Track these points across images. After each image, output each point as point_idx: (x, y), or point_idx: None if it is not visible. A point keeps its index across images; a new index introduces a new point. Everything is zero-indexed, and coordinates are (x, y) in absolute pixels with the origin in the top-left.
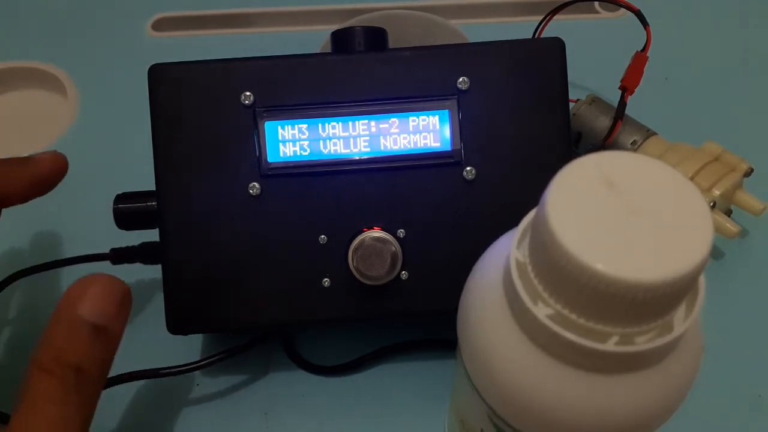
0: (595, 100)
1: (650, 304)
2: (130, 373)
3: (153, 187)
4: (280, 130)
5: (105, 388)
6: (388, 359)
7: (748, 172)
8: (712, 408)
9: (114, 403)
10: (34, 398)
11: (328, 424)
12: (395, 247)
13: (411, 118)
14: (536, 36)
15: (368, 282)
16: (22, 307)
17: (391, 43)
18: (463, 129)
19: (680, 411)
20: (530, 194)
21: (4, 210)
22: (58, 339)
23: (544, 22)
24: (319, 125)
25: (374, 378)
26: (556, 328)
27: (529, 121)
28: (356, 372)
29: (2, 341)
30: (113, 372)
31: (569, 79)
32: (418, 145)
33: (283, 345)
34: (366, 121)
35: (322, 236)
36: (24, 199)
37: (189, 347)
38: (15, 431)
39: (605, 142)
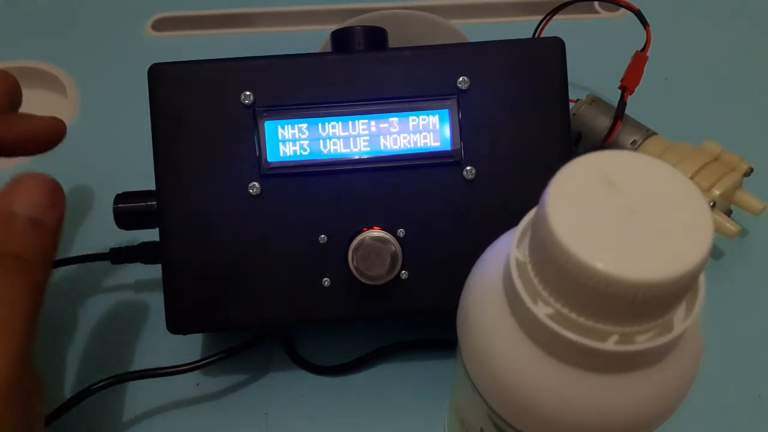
0: (595, 100)
1: (650, 303)
2: (130, 372)
3: (153, 187)
4: (280, 130)
5: (108, 387)
6: (388, 359)
7: (748, 172)
8: (711, 408)
9: (114, 402)
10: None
11: (328, 424)
12: (395, 246)
13: (411, 118)
14: (536, 36)
15: (368, 282)
16: None
17: (391, 43)
18: (463, 128)
19: (680, 411)
20: (530, 193)
21: None
22: None
23: (544, 22)
24: (319, 125)
25: (374, 378)
26: (556, 327)
27: (529, 121)
28: (356, 372)
29: None
30: (112, 371)
31: (569, 78)
32: (418, 145)
33: (284, 345)
34: (366, 121)
35: (322, 236)
36: (23, 149)
37: (189, 347)
38: None
39: (605, 142)
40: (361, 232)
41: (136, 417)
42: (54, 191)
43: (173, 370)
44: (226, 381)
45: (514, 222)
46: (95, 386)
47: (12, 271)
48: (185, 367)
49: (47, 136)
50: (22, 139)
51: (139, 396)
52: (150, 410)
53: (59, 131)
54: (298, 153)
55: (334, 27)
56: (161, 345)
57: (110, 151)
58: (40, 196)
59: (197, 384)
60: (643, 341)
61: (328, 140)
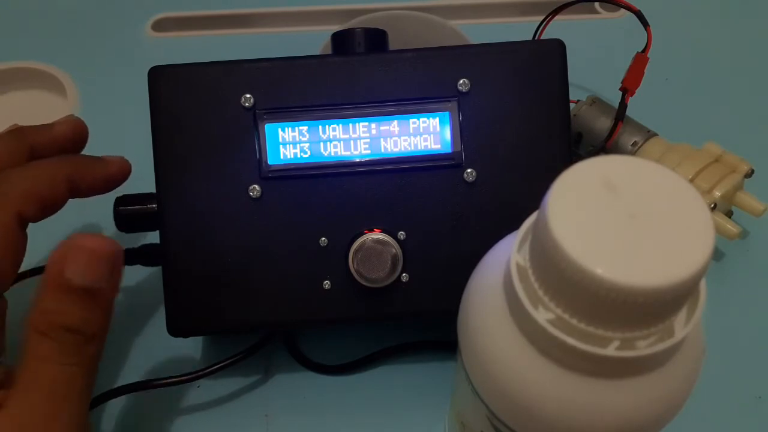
0: (595, 101)
1: (651, 308)
2: (132, 384)
3: (153, 190)
4: (280, 132)
5: (107, 399)
6: (389, 361)
7: (749, 173)
8: (712, 409)
9: (114, 403)
10: (35, 360)
11: (329, 426)
12: (396, 249)
13: (411, 120)
14: (537, 36)
15: (369, 284)
16: (22, 309)
17: (392, 44)
18: (463, 131)
19: (680, 412)
20: (530, 196)
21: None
22: (48, 302)
23: (544, 23)
24: (320, 127)
25: (375, 380)
26: (556, 332)
27: (529, 123)
28: (357, 374)
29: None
30: (113, 374)
31: (570, 79)
32: (419, 147)
33: (286, 345)
34: (366, 123)
35: (323, 238)
36: (93, 193)
37: (189, 349)
38: (20, 391)
39: (606, 143)
40: (361, 234)
41: (136, 418)
42: (113, 257)
43: (176, 380)
44: (227, 383)
45: (514, 224)
46: (103, 396)
47: (70, 347)
48: (187, 377)
49: (118, 179)
50: (94, 183)
51: (139, 397)
52: (151, 412)
53: (126, 172)
54: (299, 155)
55: (335, 28)
56: (161, 347)
57: (110, 152)
58: (98, 263)
59: (198, 386)
60: (644, 347)
61: (328, 143)
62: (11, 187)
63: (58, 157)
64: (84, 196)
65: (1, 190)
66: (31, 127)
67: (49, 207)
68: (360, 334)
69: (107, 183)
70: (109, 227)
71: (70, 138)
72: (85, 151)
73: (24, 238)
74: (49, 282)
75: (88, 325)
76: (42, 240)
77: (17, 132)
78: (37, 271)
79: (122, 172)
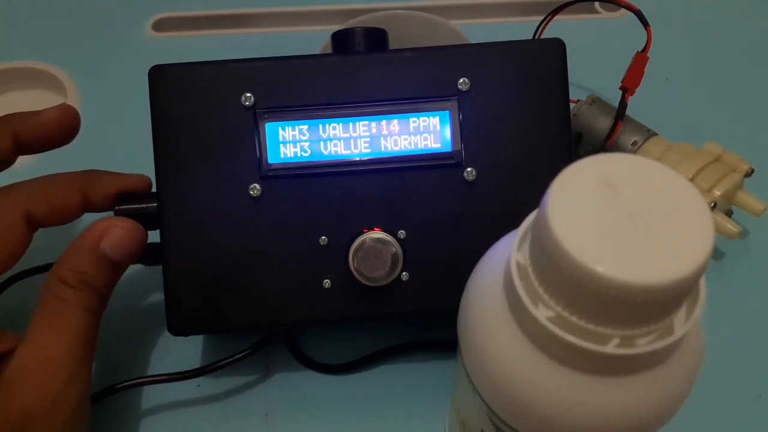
0: (595, 101)
1: (651, 306)
2: (133, 382)
3: (153, 189)
4: (280, 131)
5: (108, 397)
6: (389, 360)
7: (749, 173)
8: (712, 408)
9: (114, 402)
10: (58, 301)
11: (329, 425)
12: (396, 248)
13: (411, 119)
14: (537, 36)
15: (369, 283)
16: (23, 309)
17: (392, 44)
18: (463, 130)
19: (680, 411)
20: (530, 195)
21: None
22: (80, 262)
23: (544, 23)
24: (320, 126)
25: (375, 379)
26: (556, 330)
27: (529, 122)
28: (357, 373)
29: None
30: (113, 373)
31: (570, 79)
32: (419, 146)
33: (287, 344)
34: (366, 122)
35: (323, 237)
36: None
37: (189, 348)
38: (44, 327)
39: (606, 143)
40: (361, 233)
41: (137, 417)
42: (140, 240)
43: (178, 376)
44: (227, 382)
45: (514, 223)
46: (104, 392)
47: (88, 299)
48: (187, 376)
49: (62, 124)
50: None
51: (139, 396)
52: (151, 411)
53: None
54: (299, 154)
55: (335, 27)
56: (161, 346)
57: (110, 152)
58: (129, 243)
59: (198, 385)
60: (644, 344)
61: (328, 142)
62: (25, 187)
63: (77, 171)
64: (101, 211)
65: (15, 188)
66: (18, 113)
67: (59, 214)
68: (360, 334)
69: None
70: None
71: (59, 123)
72: (85, 151)
73: (27, 237)
74: (85, 247)
75: (106, 288)
76: (41, 239)
77: (1, 118)
78: (39, 270)
79: (143, 187)
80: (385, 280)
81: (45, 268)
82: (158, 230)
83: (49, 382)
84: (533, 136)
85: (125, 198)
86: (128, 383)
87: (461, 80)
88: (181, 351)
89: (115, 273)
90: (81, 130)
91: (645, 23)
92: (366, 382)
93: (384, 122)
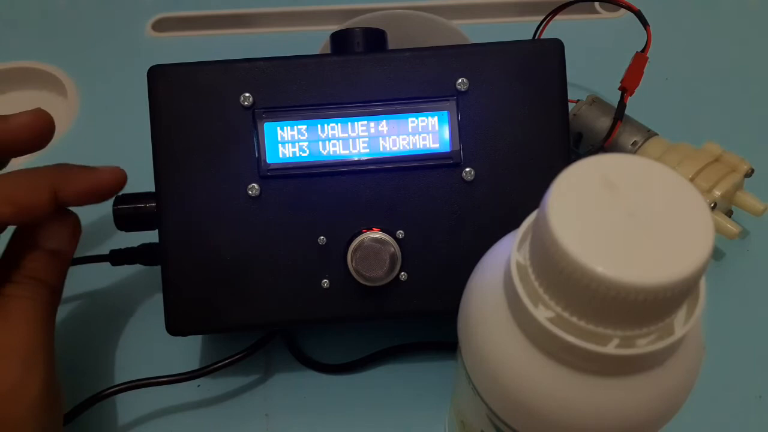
0: (595, 101)
1: (651, 307)
2: (132, 382)
3: (152, 189)
4: (279, 132)
5: (107, 398)
6: (389, 360)
7: (749, 173)
8: (712, 408)
9: (115, 403)
10: (6, 297)
11: (329, 426)
12: (394, 248)
13: (410, 119)
14: (537, 36)
15: (367, 283)
16: None
17: (392, 44)
18: (462, 130)
19: (681, 412)
20: (529, 195)
21: None
22: (24, 260)
23: (544, 23)
24: (319, 126)
25: (375, 379)
26: (556, 330)
27: (528, 123)
28: (357, 373)
29: None
30: (112, 373)
31: (569, 79)
32: (418, 146)
33: (286, 343)
34: (365, 123)
35: (321, 237)
36: (84, 202)
37: (189, 348)
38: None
39: (605, 143)
40: (360, 233)
41: (137, 418)
42: (76, 227)
43: (178, 377)
44: (227, 382)
45: (513, 223)
46: (104, 393)
47: (36, 290)
48: (187, 376)
49: (110, 187)
50: (84, 194)
51: (140, 397)
52: (151, 411)
53: (120, 181)
54: (298, 154)
55: (334, 28)
56: (161, 346)
57: (110, 152)
58: (65, 233)
59: (198, 385)
60: (644, 345)
61: (327, 142)
62: None
63: (46, 166)
64: (74, 205)
65: None
66: None
67: (26, 212)
68: (360, 334)
69: (98, 192)
70: (108, 226)
71: (29, 128)
72: (85, 151)
73: None
74: (25, 247)
75: (50, 276)
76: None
77: None
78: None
79: (116, 180)
80: (384, 280)
81: None
82: (157, 230)
83: (1, 376)
84: (532, 137)
85: (124, 198)
86: (128, 384)
87: (460, 80)
88: (181, 351)
89: (59, 260)
90: (80, 130)
91: (645, 23)
92: (366, 382)
93: (383, 122)
